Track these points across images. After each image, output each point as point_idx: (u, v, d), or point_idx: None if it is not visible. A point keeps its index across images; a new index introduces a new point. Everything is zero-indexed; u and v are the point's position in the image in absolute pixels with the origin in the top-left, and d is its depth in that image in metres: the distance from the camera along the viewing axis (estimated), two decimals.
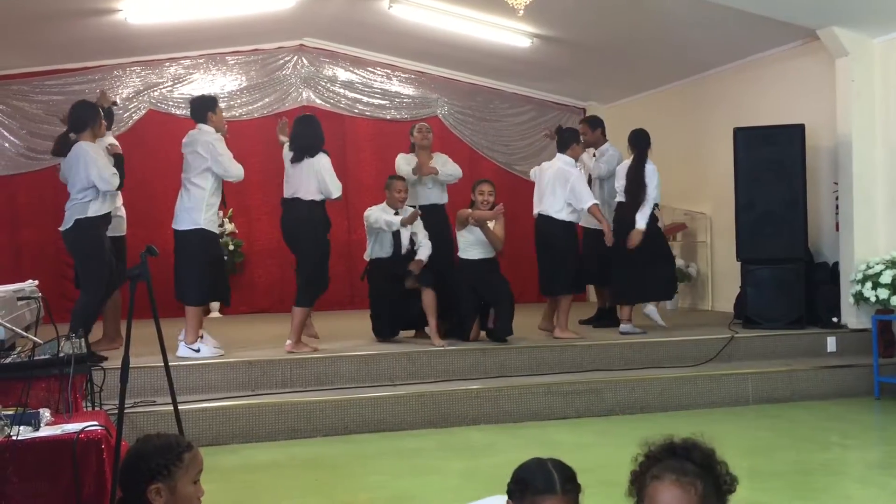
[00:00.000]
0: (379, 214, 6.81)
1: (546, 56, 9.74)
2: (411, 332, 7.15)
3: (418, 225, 6.87)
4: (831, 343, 7.25)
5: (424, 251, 6.81)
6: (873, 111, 7.35)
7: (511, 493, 2.26)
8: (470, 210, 6.86)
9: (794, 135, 7.55)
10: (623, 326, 7.31)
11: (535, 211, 7.29)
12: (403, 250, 6.82)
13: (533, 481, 2.22)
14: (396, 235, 6.79)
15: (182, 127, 9.98)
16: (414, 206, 6.99)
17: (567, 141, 7.34)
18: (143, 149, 9.51)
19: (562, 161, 7.20)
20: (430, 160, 7.30)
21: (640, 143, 7.53)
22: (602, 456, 4.95)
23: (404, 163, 7.25)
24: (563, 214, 7.09)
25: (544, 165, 7.41)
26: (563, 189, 7.07)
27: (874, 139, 7.37)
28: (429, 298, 6.62)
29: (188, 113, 9.92)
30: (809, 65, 8.09)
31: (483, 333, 6.98)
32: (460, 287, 6.83)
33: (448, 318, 6.93)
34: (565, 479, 2.23)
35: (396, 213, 6.83)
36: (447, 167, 7.34)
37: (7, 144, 9.40)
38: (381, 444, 5.37)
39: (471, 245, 6.90)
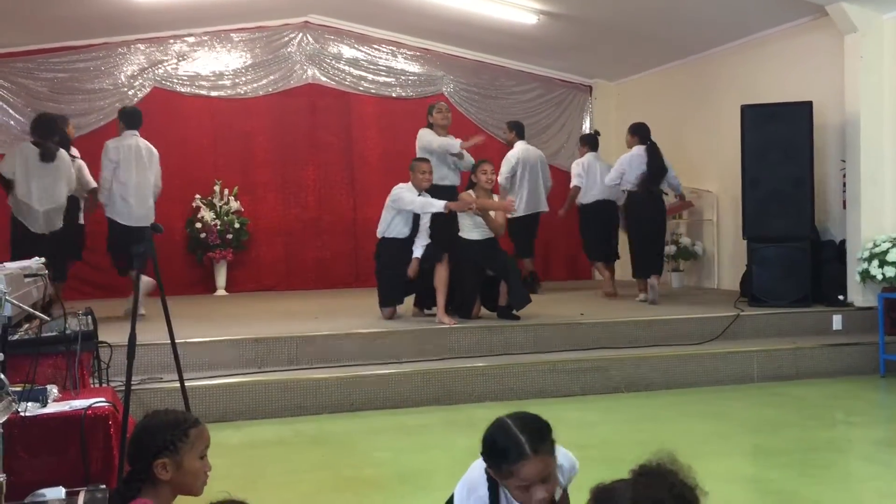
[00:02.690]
0: (413, 197, 6.71)
1: (552, 33, 9.67)
2: (412, 300, 7.22)
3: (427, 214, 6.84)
4: (837, 321, 7.24)
5: (419, 244, 6.80)
6: (882, 88, 7.29)
7: (487, 463, 2.20)
8: (474, 196, 6.83)
9: (801, 112, 7.50)
10: (644, 296, 8.15)
11: (598, 198, 8.88)
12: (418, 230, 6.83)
13: (503, 451, 2.14)
14: (416, 219, 6.79)
15: (187, 105, 10.03)
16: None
17: (598, 142, 9.39)
18: (147, 126, 9.47)
19: (598, 157, 9.12)
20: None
21: (648, 134, 8.37)
22: (606, 433, 4.97)
23: (432, 135, 7.38)
24: None
25: (591, 164, 9.00)
26: None
27: (882, 117, 7.31)
28: (441, 276, 6.62)
29: (193, 91, 10.02)
30: (818, 41, 8.02)
31: (483, 310, 7.03)
32: (462, 266, 6.84)
33: (452, 298, 6.93)
34: (534, 439, 2.14)
35: (420, 195, 6.79)
36: (466, 157, 7.51)
37: (12, 122, 9.39)
38: (386, 421, 5.39)
39: (473, 226, 6.91)
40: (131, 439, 2.37)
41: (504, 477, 2.16)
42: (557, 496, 2.34)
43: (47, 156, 6.92)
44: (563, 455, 2.34)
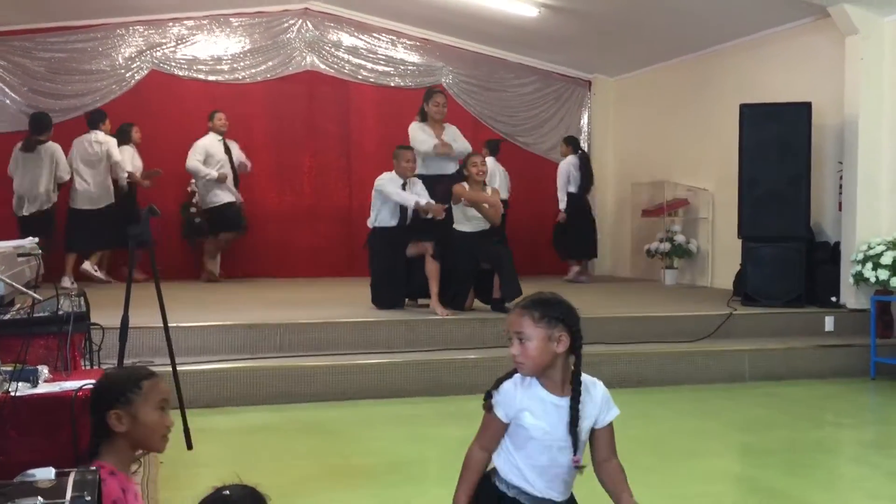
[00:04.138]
0: (394, 189, 6.71)
1: (553, 26, 9.65)
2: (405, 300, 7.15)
3: (423, 194, 6.80)
4: (829, 322, 7.26)
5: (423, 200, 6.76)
6: (881, 91, 7.29)
7: None
8: (465, 187, 6.81)
9: (800, 113, 7.50)
10: (575, 275, 10.07)
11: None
12: (408, 220, 6.79)
13: None
14: (404, 209, 6.76)
15: (185, 88, 9.99)
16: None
17: (499, 148, 10.13)
18: (144, 109, 9.46)
19: (497, 162, 9.80)
20: (443, 131, 7.28)
21: (579, 145, 10.26)
22: None
23: (421, 132, 7.20)
24: None
25: (492, 168, 9.22)
26: None
27: (881, 120, 7.32)
28: (433, 267, 6.61)
29: (191, 74, 9.98)
30: (819, 42, 8.02)
31: (478, 302, 7.02)
32: (456, 258, 6.83)
33: (446, 289, 6.91)
34: (530, 301, 2.31)
35: (404, 185, 6.77)
36: (458, 143, 7.29)
37: (8, 101, 9.34)
38: (377, 411, 5.39)
39: (467, 218, 6.90)
40: (90, 397, 2.36)
41: None
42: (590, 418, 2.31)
43: (28, 147, 8.25)
44: (599, 384, 2.36)
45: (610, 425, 2.34)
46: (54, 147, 8.33)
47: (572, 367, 2.30)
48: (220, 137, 9.34)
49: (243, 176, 10.18)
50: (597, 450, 2.34)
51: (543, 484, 2.29)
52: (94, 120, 8.84)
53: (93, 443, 2.27)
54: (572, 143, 10.21)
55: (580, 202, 10.02)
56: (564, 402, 2.28)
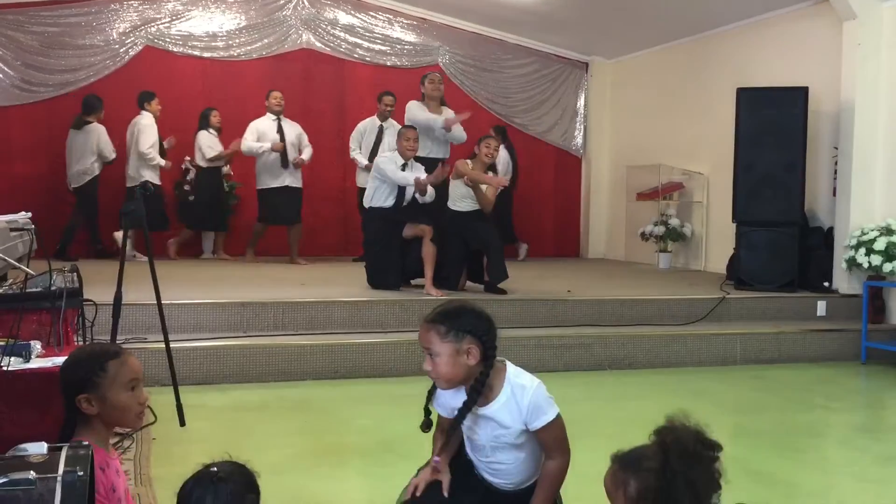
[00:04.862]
0: (394, 169, 6.65)
1: (551, 7, 9.60)
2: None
3: (420, 171, 6.78)
4: (821, 307, 7.28)
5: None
6: (878, 77, 7.28)
7: None
8: (470, 165, 6.79)
9: (797, 97, 7.49)
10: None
11: None
12: (405, 202, 6.78)
13: None
14: (401, 190, 6.73)
15: (180, 65, 9.92)
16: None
17: None
18: (138, 85, 9.39)
19: None
20: (441, 113, 7.25)
21: (507, 135, 10.17)
22: (588, 410, 5.00)
23: (420, 111, 7.17)
24: None
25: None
26: None
27: (877, 105, 7.31)
28: (430, 250, 6.60)
29: (186, 51, 9.91)
30: (816, 27, 8.00)
31: (471, 283, 7.04)
32: (449, 238, 6.83)
33: (438, 270, 6.91)
34: (438, 313, 2.27)
35: (405, 165, 6.74)
36: (457, 130, 7.26)
37: (1, 76, 9.27)
38: (370, 390, 5.41)
39: (461, 197, 6.89)
40: (60, 378, 2.32)
41: None
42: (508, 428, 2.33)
43: (76, 125, 8.84)
44: (530, 390, 2.32)
45: (548, 428, 2.31)
46: (98, 128, 8.83)
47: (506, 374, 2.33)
48: (275, 118, 9.16)
49: (239, 153, 10.10)
50: (542, 449, 2.36)
51: (489, 475, 2.35)
52: (140, 101, 9.04)
53: (68, 424, 2.24)
54: (501, 133, 10.04)
55: (507, 191, 9.76)
56: (483, 411, 2.31)
